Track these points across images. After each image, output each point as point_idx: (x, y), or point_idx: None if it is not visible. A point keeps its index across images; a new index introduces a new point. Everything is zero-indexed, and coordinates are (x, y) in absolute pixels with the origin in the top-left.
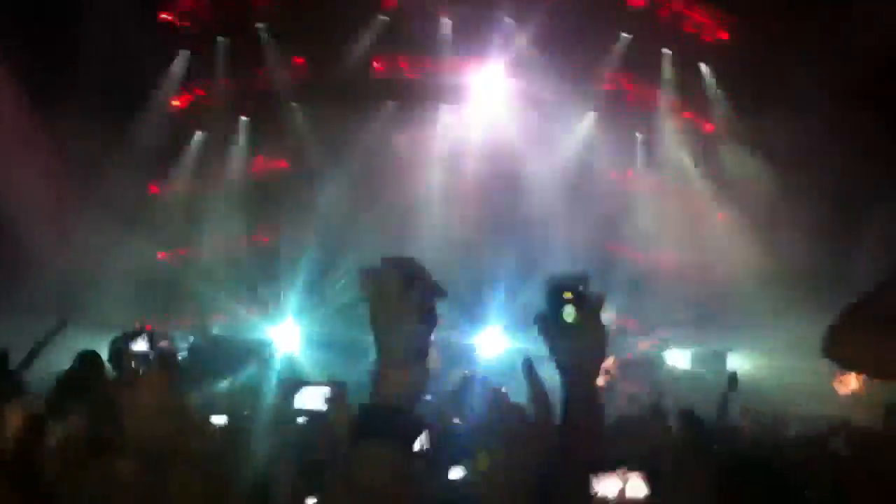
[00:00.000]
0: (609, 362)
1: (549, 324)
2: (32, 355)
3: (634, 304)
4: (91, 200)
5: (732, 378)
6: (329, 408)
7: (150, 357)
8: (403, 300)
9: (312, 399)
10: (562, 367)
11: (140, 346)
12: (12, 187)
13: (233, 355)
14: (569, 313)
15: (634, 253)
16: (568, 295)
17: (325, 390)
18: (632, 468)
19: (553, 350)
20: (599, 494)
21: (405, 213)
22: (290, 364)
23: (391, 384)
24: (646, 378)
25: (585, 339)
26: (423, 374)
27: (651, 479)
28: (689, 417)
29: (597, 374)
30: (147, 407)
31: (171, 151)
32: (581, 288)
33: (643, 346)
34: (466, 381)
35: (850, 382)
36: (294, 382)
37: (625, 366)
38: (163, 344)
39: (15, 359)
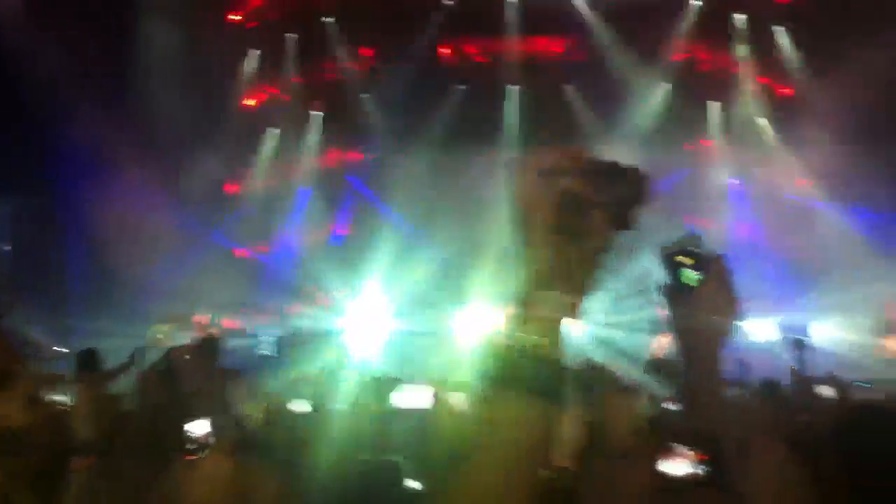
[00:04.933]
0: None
1: (672, 290)
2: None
3: None
4: (170, 200)
5: (797, 343)
6: (433, 405)
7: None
8: None
9: (413, 398)
10: (685, 332)
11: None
12: (99, 189)
13: (311, 345)
14: (688, 276)
15: (711, 222)
16: (682, 259)
17: (429, 390)
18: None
19: (676, 317)
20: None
21: (480, 199)
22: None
23: None
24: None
25: (712, 299)
26: None
27: (720, 457)
28: (772, 387)
29: (724, 340)
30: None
31: (245, 149)
32: (696, 249)
33: None
34: None
35: None
36: (390, 380)
37: None
38: (212, 332)
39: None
